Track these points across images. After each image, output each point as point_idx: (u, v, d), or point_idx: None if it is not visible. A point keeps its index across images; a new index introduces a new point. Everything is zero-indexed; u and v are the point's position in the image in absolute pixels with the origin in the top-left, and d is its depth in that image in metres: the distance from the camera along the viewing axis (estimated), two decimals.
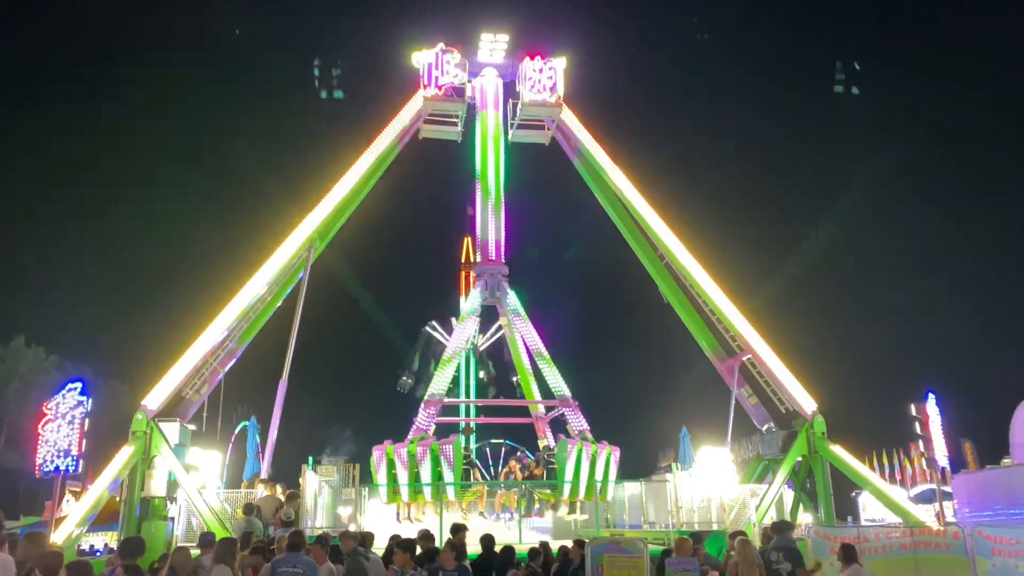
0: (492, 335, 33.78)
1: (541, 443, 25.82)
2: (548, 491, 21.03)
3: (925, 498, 33.15)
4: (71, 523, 19.24)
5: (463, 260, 41.40)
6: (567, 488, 20.78)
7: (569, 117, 27.11)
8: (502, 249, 25.86)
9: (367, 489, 21.71)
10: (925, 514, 23.43)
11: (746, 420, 25.82)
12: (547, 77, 26.91)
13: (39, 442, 17.77)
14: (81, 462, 18.21)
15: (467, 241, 40.95)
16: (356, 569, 10.00)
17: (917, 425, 22.29)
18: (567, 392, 23.85)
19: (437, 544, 11.37)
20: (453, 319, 35.07)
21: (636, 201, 26.10)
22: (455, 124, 27.35)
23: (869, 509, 35.01)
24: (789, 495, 24.15)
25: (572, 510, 21.37)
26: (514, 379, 29.74)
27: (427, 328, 35.44)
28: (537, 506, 21.26)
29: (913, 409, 22.43)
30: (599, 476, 21.23)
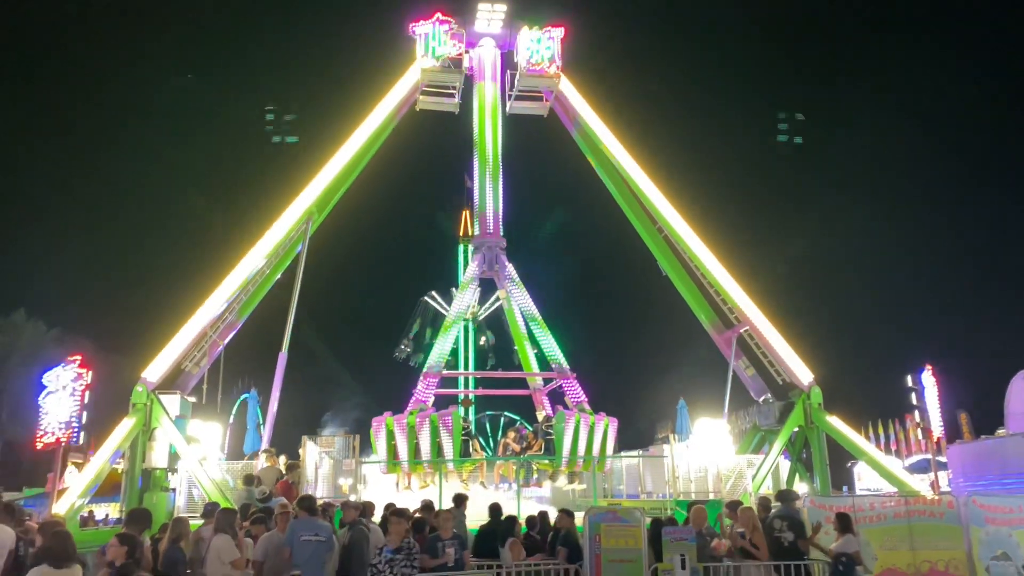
0: (490, 305, 33.88)
1: (539, 414, 25.99)
2: (546, 462, 21.20)
3: (920, 468, 33.37)
4: (73, 494, 19.41)
5: (461, 233, 41.25)
6: (564, 459, 20.95)
7: (567, 88, 26.93)
8: (500, 222, 25.81)
9: (366, 460, 21.87)
10: (920, 484, 23.65)
11: (743, 391, 25.99)
12: (545, 47, 26.68)
13: (40, 414, 17.88)
14: (82, 434, 18.34)
15: (465, 214, 40.79)
16: (359, 539, 10.09)
17: (913, 396, 22.46)
18: (565, 364, 23.95)
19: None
20: (453, 289, 35.29)
21: (634, 173, 26.02)
22: (452, 95, 27.15)
23: (865, 479, 35.31)
24: (785, 465, 24.37)
25: (570, 480, 21.57)
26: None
27: (426, 298, 35.60)
28: (535, 476, 21.45)
29: (909, 380, 22.59)
30: (596, 447, 21.40)
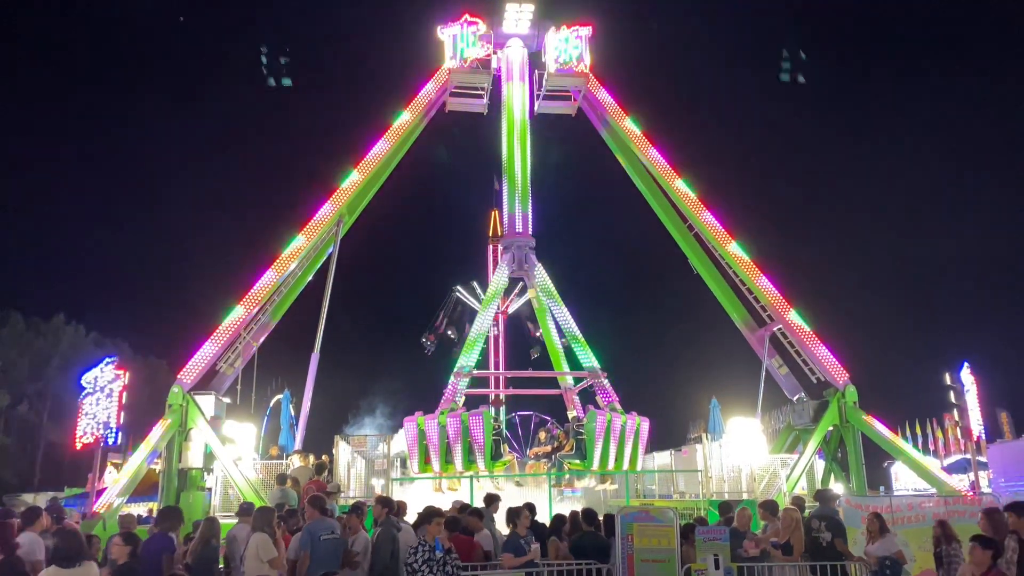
0: (517, 295, 33.86)
1: (570, 414, 25.92)
2: (577, 462, 21.14)
3: (959, 468, 32.69)
4: (111, 494, 19.75)
5: (490, 234, 41.27)
6: (596, 459, 20.86)
7: (596, 87, 26.85)
8: (529, 222, 25.72)
9: (399, 460, 21.92)
10: (959, 484, 23.19)
11: (777, 390, 25.69)
12: (573, 47, 26.64)
13: (79, 415, 18.21)
14: (120, 434, 18.66)
15: (494, 215, 40.77)
16: (386, 536, 10.05)
17: (952, 394, 22.03)
18: (596, 365, 23.85)
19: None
20: (475, 283, 35.53)
21: (663, 171, 25.88)
22: (481, 97, 27.20)
23: (902, 479, 34.73)
24: (820, 465, 24.04)
25: (602, 480, 21.47)
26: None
27: (454, 291, 35.79)
28: (567, 476, 21.40)
29: (948, 378, 22.17)
30: (628, 447, 21.29)
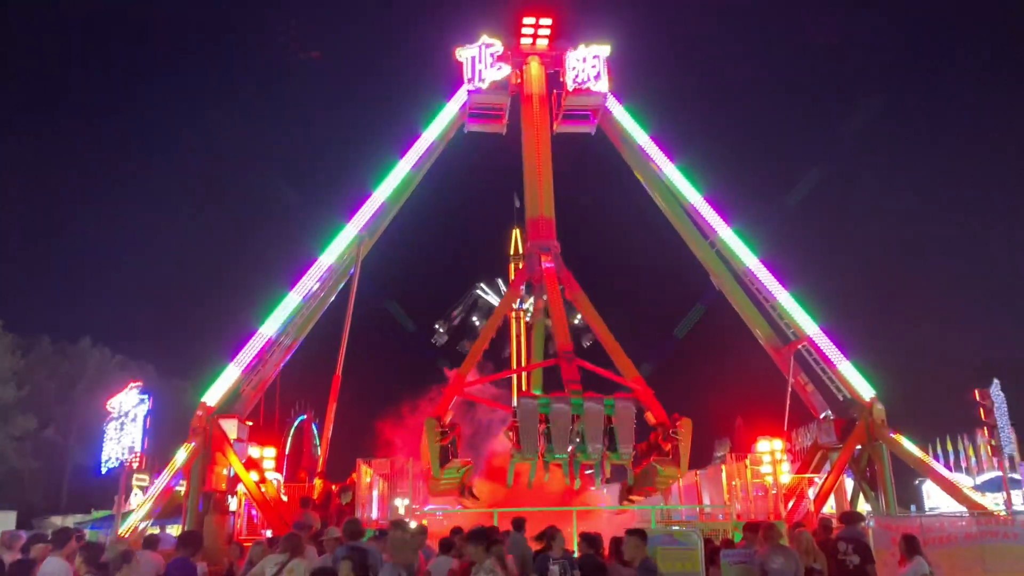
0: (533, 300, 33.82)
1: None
2: (674, 468, 19.54)
3: (992, 487, 31.99)
4: (136, 517, 19.86)
5: (511, 252, 41.33)
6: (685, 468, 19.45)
7: (615, 106, 26.87)
8: (553, 231, 24.91)
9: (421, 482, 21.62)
10: (991, 503, 22.68)
11: (803, 409, 25.32)
12: (591, 66, 26.62)
13: (104, 439, 18.35)
14: (144, 458, 18.76)
15: (516, 233, 40.87)
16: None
17: (982, 411, 21.63)
18: (639, 374, 22.07)
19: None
20: (500, 280, 35.80)
21: (684, 188, 25.79)
22: (500, 118, 27.25)
23: (934, 497, 34.10)
24: (849, 484, 23.62)
25: (638, 492, 20.44)
26: None
27: (476, 291, 36.11)
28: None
29: (977, 395, 21.76)
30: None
